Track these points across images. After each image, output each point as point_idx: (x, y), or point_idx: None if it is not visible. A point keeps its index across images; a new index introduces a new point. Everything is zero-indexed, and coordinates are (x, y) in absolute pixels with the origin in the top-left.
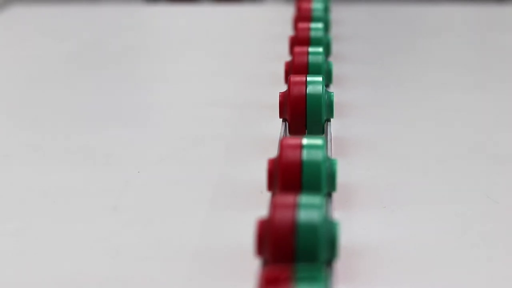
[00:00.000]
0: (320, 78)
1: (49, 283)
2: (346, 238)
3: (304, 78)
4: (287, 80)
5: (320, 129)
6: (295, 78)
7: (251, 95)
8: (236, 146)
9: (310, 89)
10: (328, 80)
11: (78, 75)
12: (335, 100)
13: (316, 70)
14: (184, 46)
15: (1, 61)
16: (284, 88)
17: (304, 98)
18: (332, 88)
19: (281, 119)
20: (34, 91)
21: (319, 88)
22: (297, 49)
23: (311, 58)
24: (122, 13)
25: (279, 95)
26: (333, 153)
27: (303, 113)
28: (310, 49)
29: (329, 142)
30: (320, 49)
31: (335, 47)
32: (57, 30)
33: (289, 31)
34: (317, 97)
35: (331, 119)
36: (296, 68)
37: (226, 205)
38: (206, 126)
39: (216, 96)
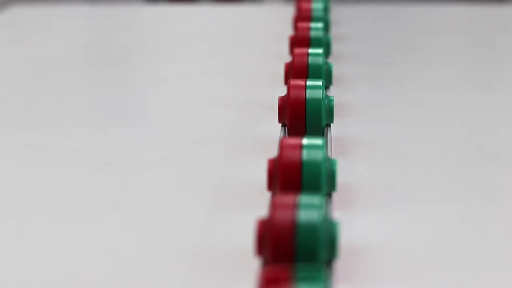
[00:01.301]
0: (320, 83)
1: (49, 283)
2: (346, 238)
3: (304, 82)
4: (286, 81)
5: (320, 134)
6: (295, 82)
7: (251, 95)
8: (236, 146)
9: (309, 93)
10: (328, 82)
11: (78, 75)
12: (335, 100)
13: (316, 72)
14: (184, 46)
15: (1, 61)
16: (283, 89)
17: (303, 103)
18: (332, 88)
19: (280, 124)
20: (34, 91)
21: (319, 93)
22: (297, 50)
23: (311, 60)
24: (122, 13)
25: (279, 100)
26: (333, 153)
27: (303, 118)
28: (310, 51)
29: (329, 142)
30: (320, 51)
31: (335, 47)
32: (57, 30)
33: (289, 31)
34: (317, 102)
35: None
36: (296, 70)
37: (226, 205)
38: (206, 126)
39: (216, 96)
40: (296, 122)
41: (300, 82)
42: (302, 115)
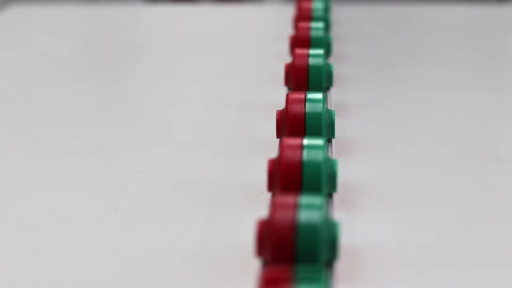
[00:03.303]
0: (320, 95)
1: (49, 283)
2: (346, 239)
3: (303, 96)
4: (287, 83)
5: None
6: (293, 96)
7: (251, 95)
8: (236, 146)
9: (309, 107)
10: (328, 83)
11: (78, 75)
12: (335, 99)
13: (316, 73)
14: (184, 46)
15: (1, 61)
16: (283, 90)
17: (303, 118)
18: (332, 89)
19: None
20: (34, 91)
21: (319, 107)
22: (298, 51)
23: (312, 61)
24: (122, 13)
25: (277, 114)
26: (333, 153)
27: (302, 135)
28: (311, 51)
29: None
30: (321, 51)
31: (335, 47)
32: (57, 30)
33: (289, 31)
34: (317, 118)
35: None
36: (296, 71)
37: (226, 205)
38: (206, 126)
39: (216, 96)
40: None
41: (299, 96)
42: (302, 131)
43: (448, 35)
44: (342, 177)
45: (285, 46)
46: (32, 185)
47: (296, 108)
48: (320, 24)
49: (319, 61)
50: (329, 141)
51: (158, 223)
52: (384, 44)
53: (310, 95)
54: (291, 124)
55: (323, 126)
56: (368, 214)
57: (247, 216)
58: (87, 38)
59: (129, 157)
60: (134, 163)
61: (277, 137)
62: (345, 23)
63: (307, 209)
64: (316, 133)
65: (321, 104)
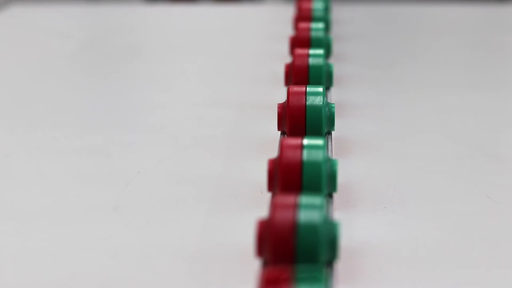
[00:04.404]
0: (320, 89)
1: (49, 283)
2: (346, 239)
3: (304, 89)
4: (287, 83)
5: None
6: (294, 89)
7: (251, 95)
8: (236, 146)
9: (310, 100)
10: (328, 83)
11: (78, 75)
12: (336, 100)
13: (316, 73)
14: (184, 46)
15: (1, 61)
16: (283, 90)
17: (303, 110)
18: (332, 89)
19: (280, 132)
20: (34, 91)
21: (319, 100)
22: (298, 51)
23: (312, 61)
24: (122, 13)
25: (278, 107)
26: (333, 153)
27: (303, 126)
28: (311, 51)
29: (329, 142)
30: (321, 51)
31: (335, 47)
32: (57, 30)
33: (289, 31)
34: (317, 110)
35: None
36: (296, 71)
37: (226, 205)
38: (206, 126)
39: (216, 96)
40: (296, 130)
41: (300, 89)
42: (302, 123)
43: (448, 35)
44: (342, 177)
45: (285, 46)
46: (32, 185)
47: (297, 101)
48: (320, 25)
49: (319, 61)
50: (329, 133)
51: (157, 223)
52: (384, 44)
53: (311, 89)
54: (292, 116)
55: (323, 118)
56: (368, 214)
57: (247, 216)
58: (87, 38)
59: (129, 157)
60: (134, 163)
61: (278, 130)
62: (345, 23)
63: (307, 209)
64: (316, 126)
65: (321, 97)
